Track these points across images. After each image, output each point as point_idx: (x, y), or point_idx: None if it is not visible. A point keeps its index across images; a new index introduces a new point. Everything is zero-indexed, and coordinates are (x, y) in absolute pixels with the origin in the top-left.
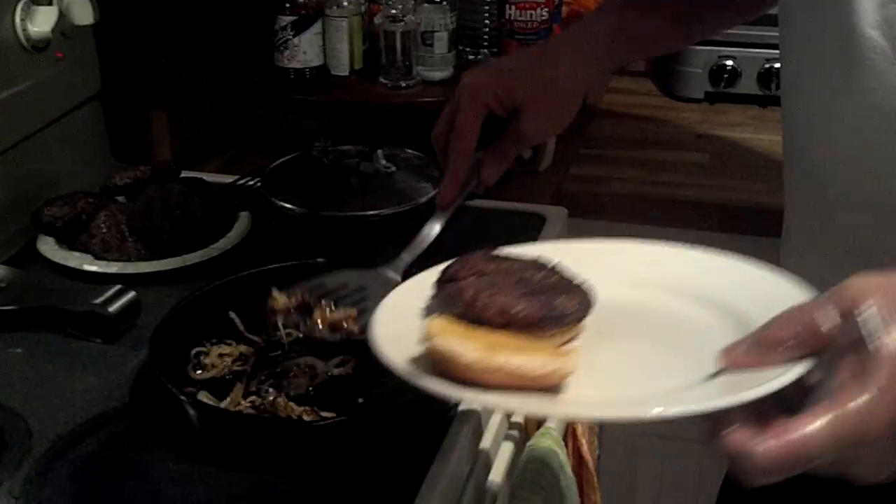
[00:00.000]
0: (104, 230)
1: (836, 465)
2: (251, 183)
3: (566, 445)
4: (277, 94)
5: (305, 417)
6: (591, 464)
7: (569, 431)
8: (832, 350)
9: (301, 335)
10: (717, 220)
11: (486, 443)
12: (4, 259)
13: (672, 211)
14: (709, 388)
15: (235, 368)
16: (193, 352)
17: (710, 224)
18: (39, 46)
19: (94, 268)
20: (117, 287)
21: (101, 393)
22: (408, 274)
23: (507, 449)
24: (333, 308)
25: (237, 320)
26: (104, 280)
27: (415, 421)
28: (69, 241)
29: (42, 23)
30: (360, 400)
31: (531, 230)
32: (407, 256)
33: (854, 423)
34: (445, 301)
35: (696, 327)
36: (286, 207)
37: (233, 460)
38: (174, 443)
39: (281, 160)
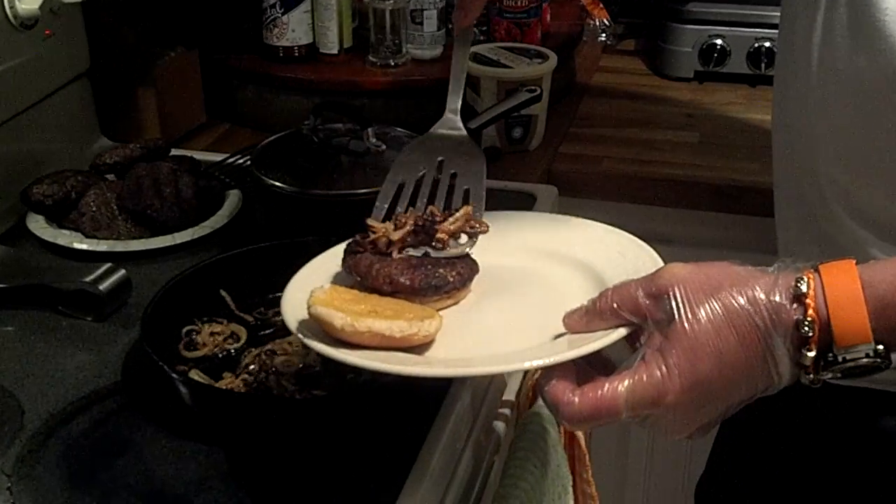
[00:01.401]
0: (94, 208)
1: (642, 421)
2: (241, 161)
3: (558, 423)
4: (266, 72)
5: (297, 396)
6: (582, 441)
7: None
8: (650, 323)
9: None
10: (707, 199)
11: (479, 420)
12: None
13: (662, 190)
14: (547, 347)
15: (227, 346)
16: (185, 330)
17: (700, 203)
18: (28, 24)
19: (84, 246)
20: (107, 265)
21: (93, 371)
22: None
23: (498, 427)
24: (445, 213)
25: (228, 298)
26: (94, 258)
27: (406, 399)
28: (59, 219)
29: (30, 0)
30: (350, 376)
31: (522, 209)
32: (452, 100)
33: (647, 391)
34: (347, 271)
35: (564, 288)
36: (276, 186)
37: (225, 438)
38: (166, 421)
39: (270, 138)
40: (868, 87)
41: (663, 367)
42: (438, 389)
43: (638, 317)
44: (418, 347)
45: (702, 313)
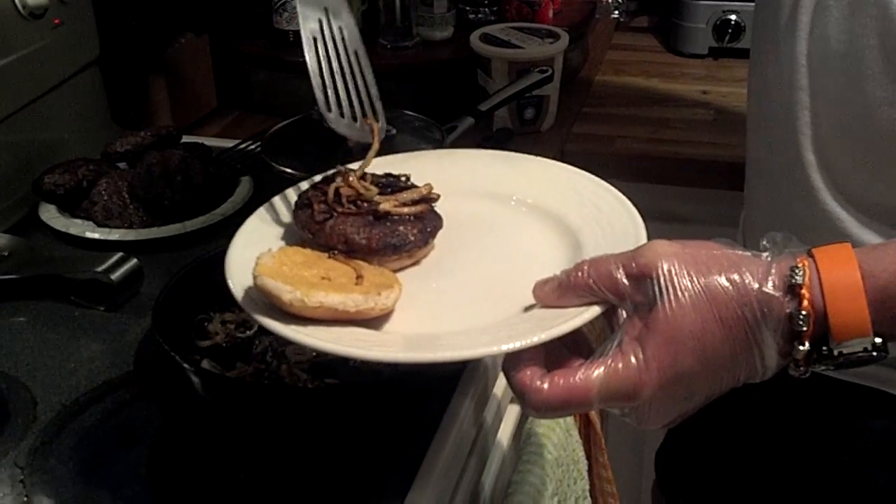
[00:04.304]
0: (105, 197)
1: (618, 411)
2: (252, 147)
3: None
4: (277, 57)
5: (309, 385)
6: (597, 425)
7: None
8: (629, 305)
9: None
10: (722, 177)
11: (491, 407)
12: (6, 227)
13: (677, 169)
14: (516, 325)
15: (239, 335)
16: (197, 319)
17: (716, 182)
18: (37, 13)
19: (95, 235)
20: (119, 254)
21: (105, 361)
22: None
23: (513, 412)
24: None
25: None
26: (106, 247)
27: (419, 387)
28: (71, 209)
29: None
30: (352, 363)
31: None
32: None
33: (622, 383)
34: (298, 227)
35: (534, 244)
36: (287, 172)
37: (237, 428)
38: (178, 411)
39: (281, 124)
40: (860, 54)
41: (641, 359)
42: (451, 378)
43: (616, 296)
44: (376, 320)
45: (686, 301)
